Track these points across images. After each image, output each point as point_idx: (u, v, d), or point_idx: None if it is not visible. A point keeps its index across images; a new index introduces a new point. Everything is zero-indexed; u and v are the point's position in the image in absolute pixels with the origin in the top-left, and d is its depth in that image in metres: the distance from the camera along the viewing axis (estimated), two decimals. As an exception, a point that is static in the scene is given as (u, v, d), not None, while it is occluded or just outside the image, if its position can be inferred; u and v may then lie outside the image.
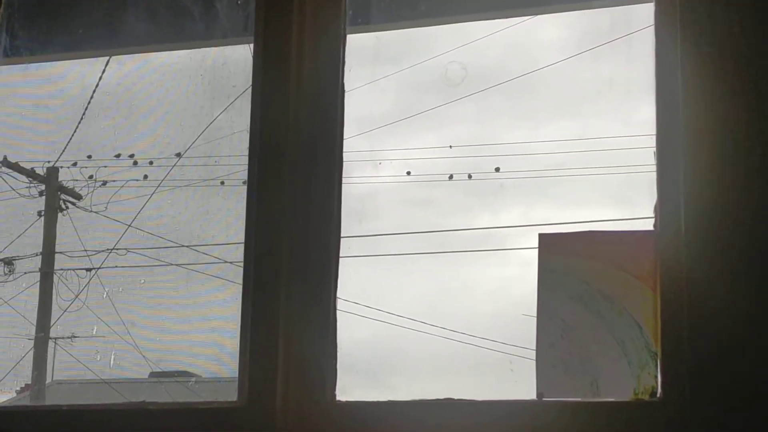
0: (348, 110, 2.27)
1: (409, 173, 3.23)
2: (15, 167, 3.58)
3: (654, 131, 2.06)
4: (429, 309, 3.01)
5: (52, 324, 3.63)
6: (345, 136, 2.27)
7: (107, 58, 2.97)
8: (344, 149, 2.26)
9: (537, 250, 2.14)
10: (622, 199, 2.63)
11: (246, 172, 2.29)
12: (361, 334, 2.65)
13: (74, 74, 3.03)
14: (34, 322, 3.54)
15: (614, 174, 2.69)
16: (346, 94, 2.28)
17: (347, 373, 2.16)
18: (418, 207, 3.29)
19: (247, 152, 2.30)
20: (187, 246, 3.04)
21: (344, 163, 2.26)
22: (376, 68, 2.65)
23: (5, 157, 3.19)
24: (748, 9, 2.00)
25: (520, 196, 3.06)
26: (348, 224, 2.23)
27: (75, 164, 3.38)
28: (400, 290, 3.10)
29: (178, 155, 3.05)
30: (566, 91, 2.82)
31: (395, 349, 3.08)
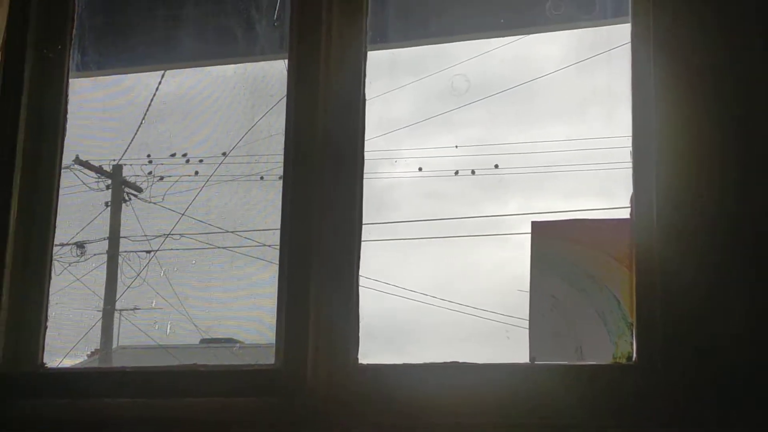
0: (369, 115, 2.28)
1: (420, 169, 3.23)
2: (86, 165, 3.60)
3: (630, 133, 2.06)
4: (438, 285, 3.02)
5: (117, 298, 3.65)
6: (366, 138, 2.27)
7: (163, 71, 2.98)
8: (366, 149, 2.26)
9: (530, 235, 2.14)
10: (605, 191, 2.62)
11: (282, 169, 2.29)
12: (381, 307, 2.65)
13: (137, 85, 3.05)
14: (102, 297, 3.56)
15: (598, 170, 2.68)
16: (366, 102, 2.28)
17: (368, 341, 2.16)
18: (429, 198, 3.30)
19: (282, 152, 2.30)
20: (231, 231, 3.06)
21: (366, 161, 2.26)
22: (392, 80, 2.66)
23: (77, 156, 3.21)
24: (712, 29, 2.00)
25: (518, 190, 3.06)
26: (369, 213, 2.24)
27: (149, 161, 3.39)
28: (414, 270, 3.10)
29: (224, 154, 3.06)
30: (558, 99, 2.81)
31: (409, 320, 3.09)
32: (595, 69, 2.51)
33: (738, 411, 1.85)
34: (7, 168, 2.44)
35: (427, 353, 2.12)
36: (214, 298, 3.06)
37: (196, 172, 3.22)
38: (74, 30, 2.57)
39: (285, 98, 2.33)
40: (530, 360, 2.06)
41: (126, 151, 3.20)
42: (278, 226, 2.26)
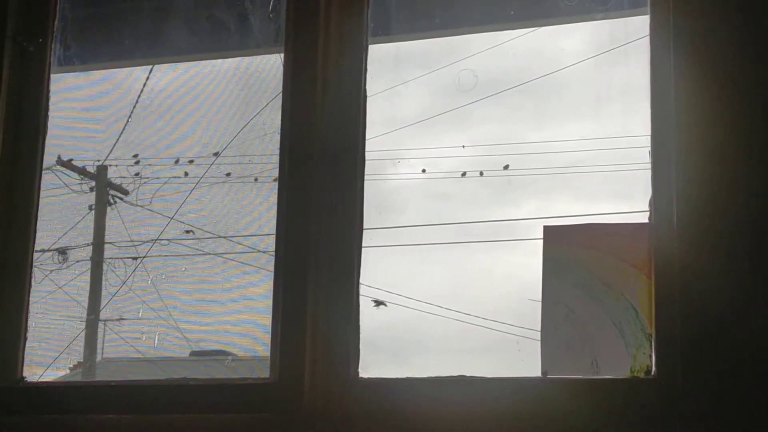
0: (371, 113, 2.29)
1: (424, 171, 3.24)
2: (68, 165, 3.61)
3: (649, 132, 2.07)
4: (445, 294, 3.02)
5: (101, 307, 3.66)
6: (368, 137, 2.28)
7: (151, 66, 3.00)
8: (367, 149, 2.27)
9: (542, 241, 2.15)
10: (622, 194, 2.63)
11: (277, 169, 2.31)
12: (383, 317, 2.67)
13: (123, 81, 3.06)
14: (86, 306, 3.56)
15: (615, 171, 2.69)
16: (368, 99, 2.30)
17: (370, 353, 2.17)
18: (435, 201, 3.30)
19: (278, 151, 2.32)
20: (223, 237, 3.07)
21: (367, 161, 2.27)
22: (396, 75, 2.67)
23: (59, 157, 3.22)
24: (736, 19, 2.01)
25: (529, 192, 3.07)
26: (371, 217, 2.25)
27: (136, 162, 3.40)
28: (418, 277, 3.11)
29: (216, 154, 3.07)
30: (573, 95, 2.82)
31: (414, 331, 3.09)
32: (612, 63, 2.51)
33: (763, 428, 1.86)
34: (-15, 169, 2.46)
35: (433, 366, 2.13)
36: (204, 308, 3.07)
37: (186, 174, 3.23)
38: (56, 22, 2.59)
39: (281, 95, 2.35)
40: (542, 373, 2.07)
41: (111, 150, 3.21)
42: (273, 231, 2.27)
